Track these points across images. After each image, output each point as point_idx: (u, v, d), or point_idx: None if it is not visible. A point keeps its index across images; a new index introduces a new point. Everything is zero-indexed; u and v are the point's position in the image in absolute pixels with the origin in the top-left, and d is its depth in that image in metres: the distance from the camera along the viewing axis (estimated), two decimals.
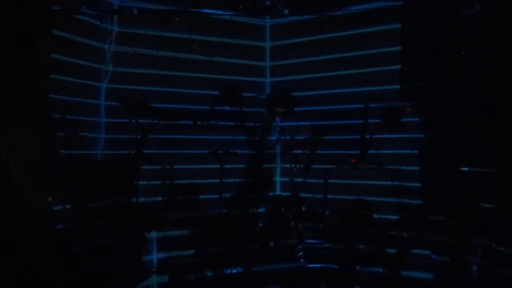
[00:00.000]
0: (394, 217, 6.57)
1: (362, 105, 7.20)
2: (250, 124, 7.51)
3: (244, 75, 8.26)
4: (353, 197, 6.79)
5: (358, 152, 7.13)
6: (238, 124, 7.47)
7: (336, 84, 7.91)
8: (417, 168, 6.61)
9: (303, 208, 7.31)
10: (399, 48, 6.92)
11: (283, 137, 7.49)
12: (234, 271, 6.05)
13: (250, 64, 8.44)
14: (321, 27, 7.98)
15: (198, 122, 7.36)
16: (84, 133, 6.67)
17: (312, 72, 8.20)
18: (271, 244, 6.57)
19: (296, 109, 7.85)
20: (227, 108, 7.44)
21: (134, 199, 6.51)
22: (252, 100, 7.82)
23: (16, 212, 4.81)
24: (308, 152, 7.60)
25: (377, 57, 7.40)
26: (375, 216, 6.52)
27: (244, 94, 7.61)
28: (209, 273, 5.90)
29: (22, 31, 5.55)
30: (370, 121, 7.09)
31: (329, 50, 7.98)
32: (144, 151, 6.91)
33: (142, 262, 5.79)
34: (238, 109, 7.45)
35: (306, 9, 7.58)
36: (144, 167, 6.99)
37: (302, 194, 7.45)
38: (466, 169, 5.97)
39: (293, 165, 7.53)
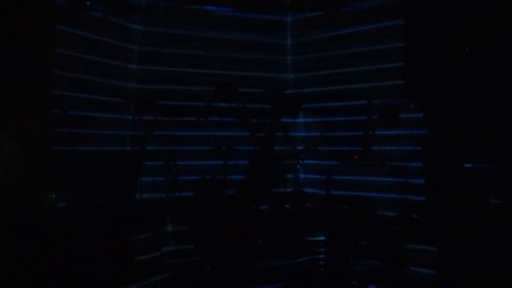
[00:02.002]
0: (396, 214, 6.56)
1: (365, 102, 7.17)
2: (253, 120, 7.50)
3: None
4: (356, 193, 6.82)
5: (361, 148, 7.11)
6: (240, 120, 7.46)
7: (341, 81, 7.90)
8: (420, 164, 6.58)
9: (307, 204, 7.30)
10: (402, 44, 6.89)
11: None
12: (236, 267, 6.05)
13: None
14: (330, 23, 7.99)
15: (201, 118, 7.36)
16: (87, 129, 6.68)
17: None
18: (274, 240, 6.57)
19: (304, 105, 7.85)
20: (224, 104, 7.42)
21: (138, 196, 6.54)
22: (255, 96, 7.79)
23: (13, 208, 4.83)
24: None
25: (380, 54, 7.37)
26: (377, 212, 6.52)
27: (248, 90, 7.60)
28: (210, 269, 5.91)
29: (26, 27, 5.57)
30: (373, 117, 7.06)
31: (337, 47, 7.96)
32: (148, 148, 6.92)
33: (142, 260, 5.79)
34: (240, 105, 7.44)
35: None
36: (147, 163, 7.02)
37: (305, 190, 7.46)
38: (469, 165, 5.95)
39: (296, 161, 7.52)
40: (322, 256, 6.29)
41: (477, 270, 5.19)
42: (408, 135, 6.80)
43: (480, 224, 5.50)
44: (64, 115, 6.11)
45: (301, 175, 7.99)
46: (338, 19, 7.70)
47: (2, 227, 4.76)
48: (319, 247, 6.52)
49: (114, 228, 5.58)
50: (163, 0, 7.36)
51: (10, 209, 4.96)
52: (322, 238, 6.62)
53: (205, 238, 6.27)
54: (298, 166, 7.58)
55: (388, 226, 6.30)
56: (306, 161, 7.64)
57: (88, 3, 6.48)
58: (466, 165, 5.97)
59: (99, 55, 6.99)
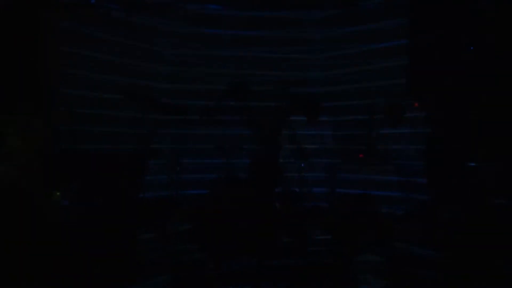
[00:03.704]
0: (400, 212, 6.55)
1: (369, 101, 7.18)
2: (258, 119, 7.50)
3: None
4: (360, 192, 6.81)
5: (366, 147, 7.11)
6: (246, 118, 7.45)
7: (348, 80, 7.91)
8: (424, 163, 6.56)
9: (310, 204, 7.29)
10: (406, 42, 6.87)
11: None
12: (239, 266, 6.06)
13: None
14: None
15: (205, 117, 7.37)
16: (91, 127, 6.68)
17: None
18: (277, 239, 6.57)
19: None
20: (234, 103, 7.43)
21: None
22: (261, 95, 7.79)
23: (17, 206, 4.84)
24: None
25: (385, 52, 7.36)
26: (380, 210, 6.52)
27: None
28: (215, 268, 5.91)
29: (30, 24, 5.58)
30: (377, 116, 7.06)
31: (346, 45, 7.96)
32: (152, 146, 6.94)
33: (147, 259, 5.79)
34: (246, 104, 7.44)
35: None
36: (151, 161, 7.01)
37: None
38: (472, 164, 5.92)
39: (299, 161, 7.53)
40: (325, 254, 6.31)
41: (479, 270, 5.18)
42: (413, 134, 6.80)
43: (483, 224, 5.49)
44: (70, 113, 6.13)
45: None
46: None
47: (7, 224, 4.78)
48: (323, 246, 6.53)
49: (119, 227, 5.59)
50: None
51: (15, 206, 4.98)
52: (326, 236, 6.62)
53: (214, 236, 6.28)
54: (302, 165, 7.58)
55: (391, 224, 6.31)
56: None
57: (93, 1, 6.50)
58: (470, 164, 5.96)
59: (106, 53, 7.02)
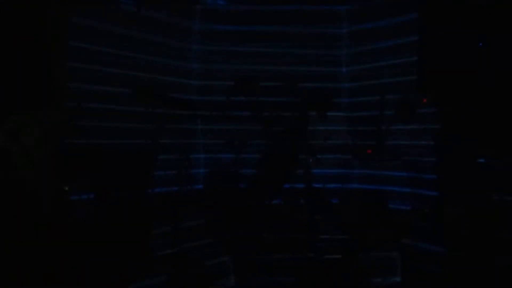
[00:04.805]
0: (409, 208, 6.56)
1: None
2: (267, 114, 7.50)
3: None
4: (369, 188, 6.82)
5: (374, 143, 7.10)
6: (255, 114, 7.46)
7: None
8: (433, 159, 6.56)
9: (319, 199, 7.29)
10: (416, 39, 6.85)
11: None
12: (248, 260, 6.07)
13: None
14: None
15: (214, 112, 7.38)
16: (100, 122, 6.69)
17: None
18: (286, 235, 6.58)
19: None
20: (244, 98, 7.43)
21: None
22: (270, 90, 7.77)
23: (22, 201, 4.86)
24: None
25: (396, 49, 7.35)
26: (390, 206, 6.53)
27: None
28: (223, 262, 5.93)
29: (39, 18, 5.59)
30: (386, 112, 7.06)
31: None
32: (160, 141, 6.94)
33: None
34: (255, 99, 7.44)
35: None
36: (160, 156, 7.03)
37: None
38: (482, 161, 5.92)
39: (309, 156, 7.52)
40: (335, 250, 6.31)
41: (487, 267, 5.17)
42: (422, 130, 6.79)
43: (492, 220, 5.48)
44: (79, 108, 6.13)
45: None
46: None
47: (20, 218, 4.81)
48: (332, 242, 6.54)
49: (128, 222, 5.61)
50: None
51: (27, 201, 5.01)
52: (336, 232, 6.63)
53: (216, 231, 6.30)
54: (310, 160, 7.57)
55: (400, 219, 6.31)
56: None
57: None
58: (479, 160, 5.95)
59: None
